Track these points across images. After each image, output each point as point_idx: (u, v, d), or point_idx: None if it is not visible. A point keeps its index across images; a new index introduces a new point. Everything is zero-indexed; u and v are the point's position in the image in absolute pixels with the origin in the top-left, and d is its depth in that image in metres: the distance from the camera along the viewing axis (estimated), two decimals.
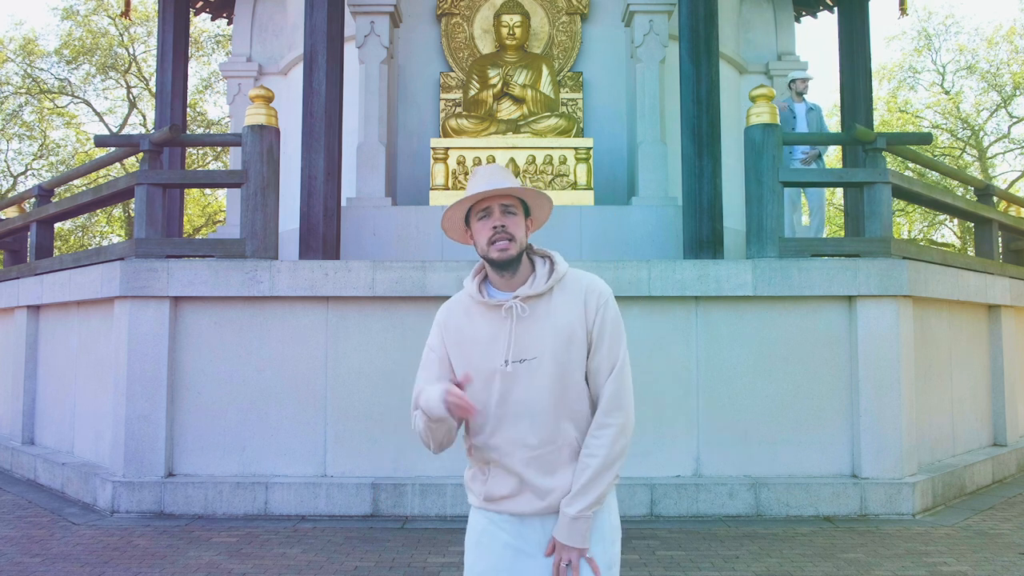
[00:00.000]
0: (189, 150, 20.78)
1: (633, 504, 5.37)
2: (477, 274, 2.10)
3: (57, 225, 14.00)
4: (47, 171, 23.86)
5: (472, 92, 8.20)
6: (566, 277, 2.06)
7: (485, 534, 2.04)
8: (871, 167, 6.12)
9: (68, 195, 17.60)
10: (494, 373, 2.00)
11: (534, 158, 7.58)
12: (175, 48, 9.28)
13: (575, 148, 7.60)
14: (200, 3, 11.12)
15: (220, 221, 23.16)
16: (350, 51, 7.53)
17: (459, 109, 8.21)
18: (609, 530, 2.05)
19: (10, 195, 22.44)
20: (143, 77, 23.83)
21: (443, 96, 8.33)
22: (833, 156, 23.39)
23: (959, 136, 24.90)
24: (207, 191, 23.84)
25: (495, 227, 1.98)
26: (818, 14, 11.22)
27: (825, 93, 39.03)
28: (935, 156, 22.18)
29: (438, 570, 4.26)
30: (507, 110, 8.09)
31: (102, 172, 20.68)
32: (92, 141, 21.44)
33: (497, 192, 1.99)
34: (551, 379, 1.99)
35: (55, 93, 23.82)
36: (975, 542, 4.86)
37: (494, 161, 7.55)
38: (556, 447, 2.00)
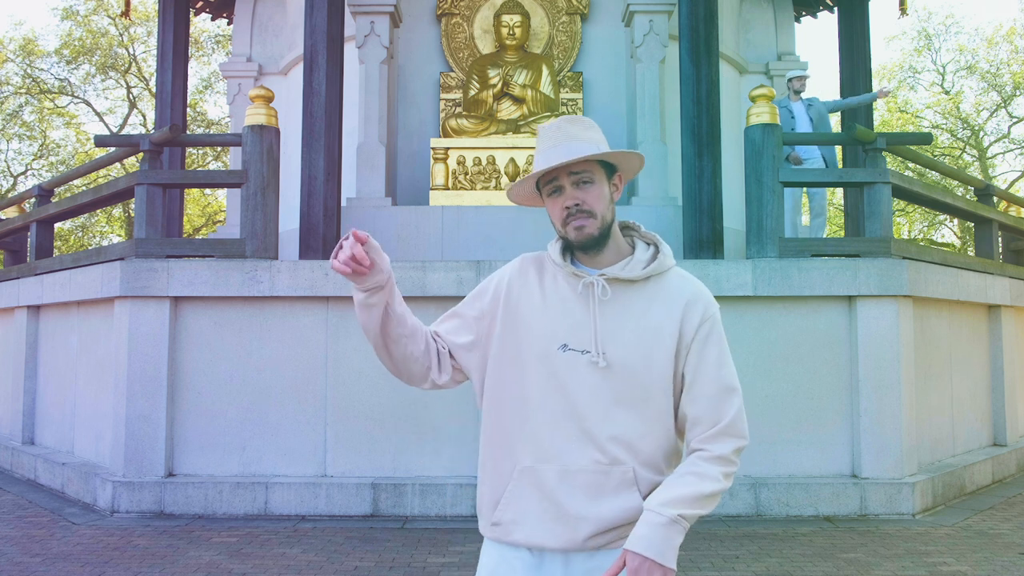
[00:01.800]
0: (189, 150, 20.77)
1: None
2: (561, 238, 1.71)
3: (57, 225, 14.01)
4: (47, 171, 23.87)
5: (472, 92, 8.20)
6: (670, 273, 1.69)
7: (497, 572, 1.67)
8: (871, 167, 6.12)
9: (68, 195, 17.60)
10: (545, 356, 1.63)
11: (534, 158, 7.57)
12: (175, 48, 9.28)
13: None
14: (200, 3, 11.12)
15: (220, 221, 23.16)
16: (350, 51, 7.54)
17: (459, 109, 8.21)
18: None
19: (10, 195, 22.44)
20: (143, 77, 23.83)
21: (443, 96, 8.33)
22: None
23: (959, 136, 24.90)
24: (207, 191, 23.84)
25: (567, 207, 1.63)
26: (818, 14, 11.22)
27: (825, 93, 39.04)
28: (935, 156, 22.18)
29: (438, 570, 4.26)
30: (507, 110, 8.09)
31: (102, 172, 20.68)
32: (92, 141, 21.44)
33: (562, 166, 1.62)
34: (620, 388, 1.60)
35: (55, 93, 23.82)
36: (975, 542, 4.86)
37: (494, 162, 7.55)
38: (604, 469, 1.59)
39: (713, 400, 1.62)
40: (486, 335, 1.71)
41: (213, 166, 24.10)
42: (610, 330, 1.61)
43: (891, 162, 18.36)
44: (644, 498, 1.59)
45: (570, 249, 1.69)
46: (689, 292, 1.66)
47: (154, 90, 16.54)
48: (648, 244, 1.72)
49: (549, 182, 1.65)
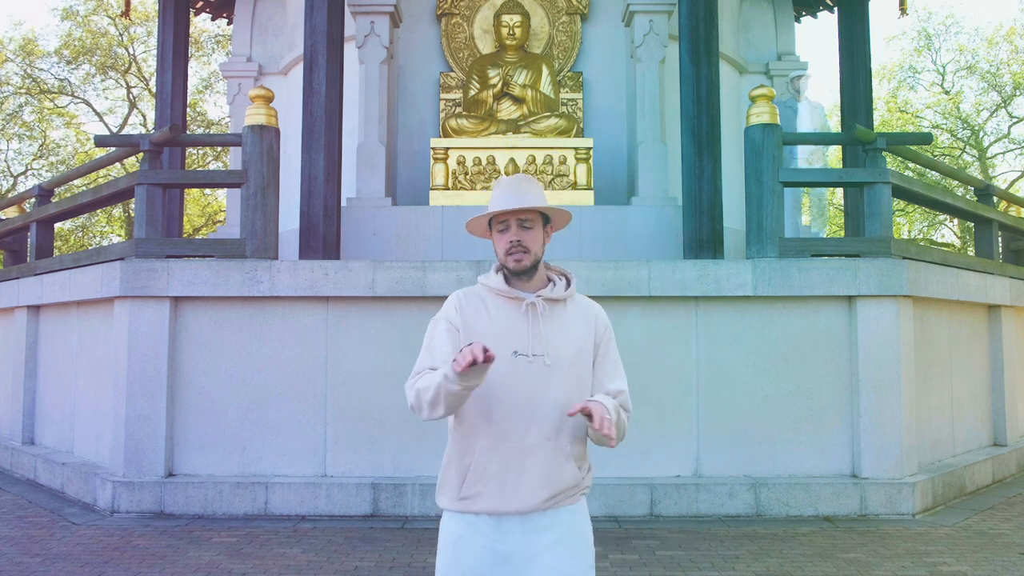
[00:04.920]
0: (189, 150, 20.77)
1: (633, 504, 5.37)
2: (499, 270, 2.20)
3: (57, 225, 14.02)
4: (47, 171, 23.86)
5: (472, 92, 8.20)
6: (578, 296, 2.23)
7: (462, 540, 2.08)
8: (871, 167, 6.12)
9: (68, 195, 17.59)
10: (500, 361, 2.01)
11: (534, 158, 7.58)
12: (175, 48, 9.27)
13: (575, 148, 7.60)
14: (200, 3, 11.12)
15: (220, 221, 23.14)
16: (350, 51, 7.53)
17: (459, 109, 8.21)
18: (589, 531, 2.15)
19: (10, 195, 22.43)
20: (143, 77, 23.82)
21: (443, 96, 8.33)
22: (833, 156, 23.38)
23: (959, 136, 24.88)
24: (207, 191, 23.83)
25: (511, 242, 2.11)
26: (818, 14, 11.21)
27: (825, 93, 39.03)
28: (935, 156, 22.17)
29: None
30: (507, 110, 8.08)
31: (102, 172, 20.68)
32: (92, 141, 21.43)
33: (516, 210, 2.10)
34: (559, 380, 2.06)
35: (55, 93, 23.80)
36: (975, 542, 4.86)
37: (494, 162, 7.56)
38: (552, 447, 2.05)
39: (613, 382, 2.16)
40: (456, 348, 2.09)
41: (213, 166, 24.08)
42: (549, 337, 2.09)
43: (891, 162, 18.36)
44: (576, 466, 2.09)
45: (505, 279, 2.17)
46: (595, 309, 2.23)
47: (154, 90, 16.55)
48: (560, 276, 2.22)
49: (501, 221, 2.13)
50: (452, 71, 8.42)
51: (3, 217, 10.31)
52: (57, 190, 11.09)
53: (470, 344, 1.81)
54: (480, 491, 2.05)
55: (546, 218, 2.19)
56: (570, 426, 2.06)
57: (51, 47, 23.70)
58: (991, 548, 4.74)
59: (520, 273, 2.12)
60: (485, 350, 1.79)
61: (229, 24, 11.62)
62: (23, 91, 23.43)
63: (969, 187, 17.65)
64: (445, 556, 2.11)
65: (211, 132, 22.49)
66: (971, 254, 15.98)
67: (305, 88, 6.43)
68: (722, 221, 6.36)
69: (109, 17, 23.16)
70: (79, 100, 24.20)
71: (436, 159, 7.58)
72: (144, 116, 24.05)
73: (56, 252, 16.85)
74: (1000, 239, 8.17)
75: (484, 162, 7.57)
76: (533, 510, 2.03)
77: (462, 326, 2.11)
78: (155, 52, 17.10)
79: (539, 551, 2.02)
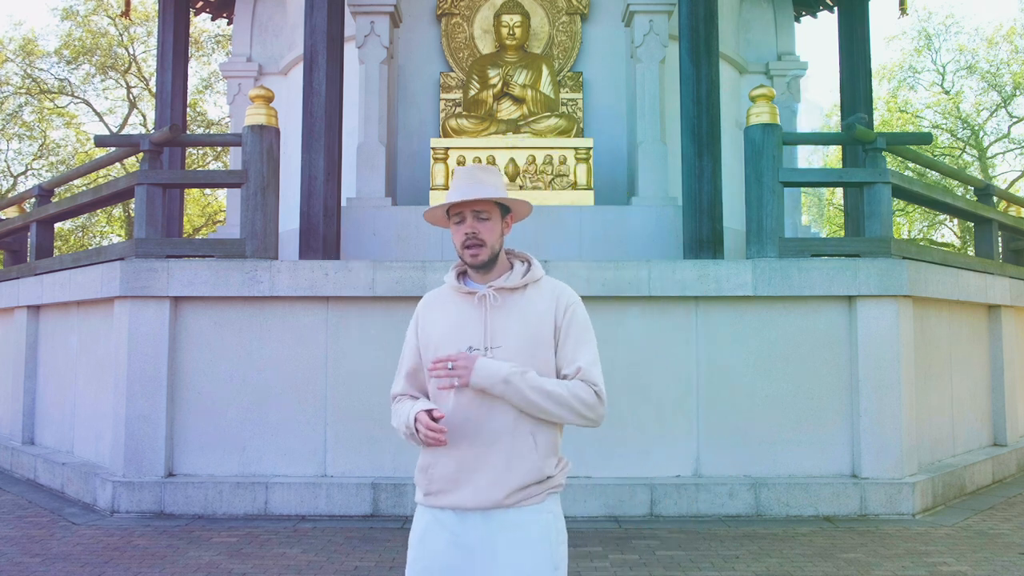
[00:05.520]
0: (189, 150, 20.76)
1: (633, 504, 5.37)
2: (458, 267, 2.22)
3: (57, 225, 14.01)
4: (47, 171, 23.85)
5: (472, 92, 8.20)
6: (542, 281, 2.17)
7: (428, 532, 2.08)
8: (871, 167, 6.12)
9: (68, 195, 17.59)
10: None
11: (534, 158, 7.58)
12: (175, 48, 9.27)
13: (575, 148, 7.60)
14: (200, 3, 11.12)
15: (220, 221, 23.13)
16: (350, 51, 7.53)
17: (459, 109, 8.21)
18: (554, 531, 2.07)
19: (10, 195, 22.42)
20: (143, 77, 23.82)
21: (443, 96, 8.33)
22: (833, 156, 23.39)
23: (959, 136, 24.88)
24: (207, 191, 23.83)
25: (467, 234, 2.10)
26: (818, 14, 11.21)
27: (825, 93, 39.01)
28: (935, 156, 22.16)
29: None
30: (507, 110, 8.08)
31: (102, 172, 20.67)
32: (92, 141, 21.42)
33: (469, 201, 2.09)
34: None
35: (55, 93, 23.79)
36: (975, 542, 4.86)
37: (494, 162, 7.56)
38: (511, 440, 2.04)
39: (573, 363, 2.08)
40: (422, 357, 2.18)
41: (213, 166, 24.07)
42: (502, 328, 2.08)
43: (891, 162, 18.35)
44: (539, 457, 2.05)
45: (464, 273, 2.20)
46: (557, 291, 2.16)
47: (154, 90, 16.55)
48: (523, 261, 2.20)
49: (456, 213, 2.13)
50: (452, 71, 8.42)
51: (3, 217, 10.31)
52: (57, 190, 11.09)
53: (419, 418, 1.97)
54: (443, 487, 2.06)
55: (505, 208, 2.17)
56: (530, 418, 2.05)
57: (51, 47, 23.72)
58: (991, 548, 4.74)
59: (478, 267, 2.13)
60: (432, 418, 1.96)
61: (229, 24, 11.62)
62: (23, 91, 23.43)
63: (969, 187, 17.66)
64: (413, 548, 2.11)
65: (211, 132, 22.49)
66: (971, 254, 15.98)
67: (305, 88, 6.43)
68: (722, 221, 6.36)
69: (109, 17, 23.16)
70: (79, 100, 24.21)
71: (436, 159, 7.58)
72: (144, 116, 24.06)
73: (56, 252, 16.84)
74: (1000, 239, 8.16)
75: (484, 162, 7.57)
76: (495, 506, 2.02)
77: (420, 334, 2.18)
78: (155, 52, 17.09)
79: (501, 549, 2.01)
